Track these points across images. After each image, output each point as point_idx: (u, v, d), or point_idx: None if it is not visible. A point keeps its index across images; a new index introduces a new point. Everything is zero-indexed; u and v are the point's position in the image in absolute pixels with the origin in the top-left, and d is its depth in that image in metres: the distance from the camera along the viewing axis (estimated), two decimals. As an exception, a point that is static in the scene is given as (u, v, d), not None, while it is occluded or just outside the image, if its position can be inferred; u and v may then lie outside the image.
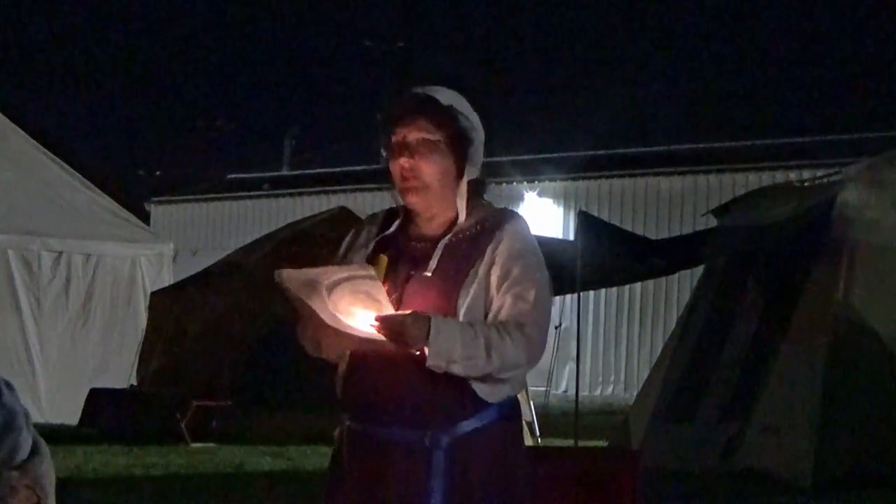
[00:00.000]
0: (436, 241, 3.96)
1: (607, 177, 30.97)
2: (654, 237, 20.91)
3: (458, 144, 3.97)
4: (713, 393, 13.41)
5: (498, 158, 33.25)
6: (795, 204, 13.80)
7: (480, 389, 3.88)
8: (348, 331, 3.80)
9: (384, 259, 3.93)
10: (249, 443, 14.80)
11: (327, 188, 34.16)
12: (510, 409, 3.98)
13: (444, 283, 3.90)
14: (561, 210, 30.92)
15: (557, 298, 29.15)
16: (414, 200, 3.97)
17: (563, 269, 15.01)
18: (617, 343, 29.86)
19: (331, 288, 3.81)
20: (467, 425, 3.88)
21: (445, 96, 3.99)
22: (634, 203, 30.08)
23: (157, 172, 50.21)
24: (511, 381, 3.93)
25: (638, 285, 26.98)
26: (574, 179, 31.30)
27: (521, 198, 31.51)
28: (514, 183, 31.62)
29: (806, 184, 15.30)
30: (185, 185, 39.89)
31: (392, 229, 4.02)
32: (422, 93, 3.99)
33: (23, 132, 18.87)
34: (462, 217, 3.97)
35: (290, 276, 3.83)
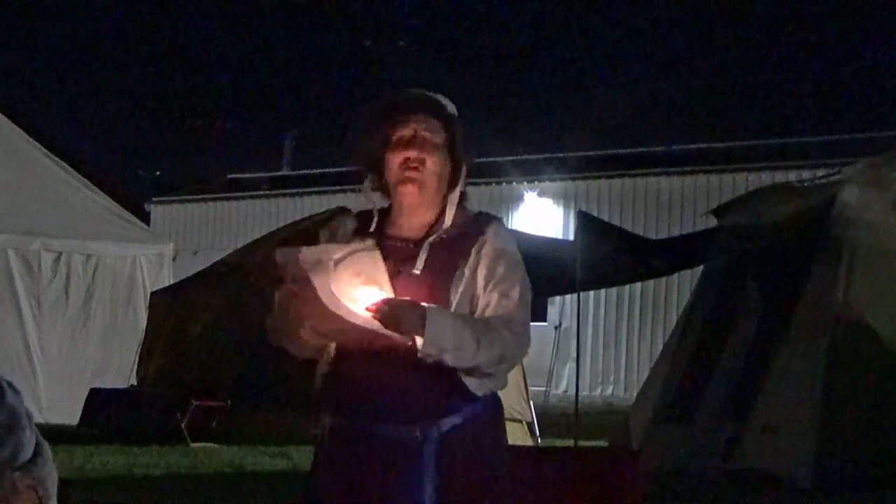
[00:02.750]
0: (415, 241, 4.05)
1: (607, 177, 30.96)
2: (654, 237, 20.94)
3: (455, 153, 4.08)
4: (713, 393, 13.40)
5: (498, 158, 33.29)
6: (795, 204, 13.80)
7: (469, 383, 3.94)
8: (344, 315, 3.82)
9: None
10: (249, 443, 14.79)
11: (327, 188, 34.14)
12: (494, 404, 4.06)
13: (434, 280, 3.97)
14: (561, 210, 30.91)
15: (557, 298, 29.17)
16: (410, 190, 4.04)
17: (563, 269, 15.03)
18: (617, 343, 29.85)
19: (337, 263, 3.85)
20: (455, 418, 3.95)
21: (449, 106, 4.11)
22: (634, 203, 30.08)
23: (157, 172, 50.21)
24: (497, 375, 4.00)
25: (638, 285, 26.99)
26: (574, 179, 31.29)
27: (521, 198, 31.51)
28: (514, 183, 31.61)
29: (806, 184, 15.29)
30: (185, 185, 39.88)
31: (372, 228, 4.08)
32: (430, 95, 4.10)
33: (23, 132, 18.87)
34: (448, 222, 4.05)
35: (305, 254, 3.84)
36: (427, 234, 4.05)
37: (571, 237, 18.31)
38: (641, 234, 20.85)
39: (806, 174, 22.50)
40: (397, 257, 4.02)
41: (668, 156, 31.35)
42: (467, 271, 3.99)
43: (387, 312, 3.82)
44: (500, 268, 4.00)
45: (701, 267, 15.47)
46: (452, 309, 3.94)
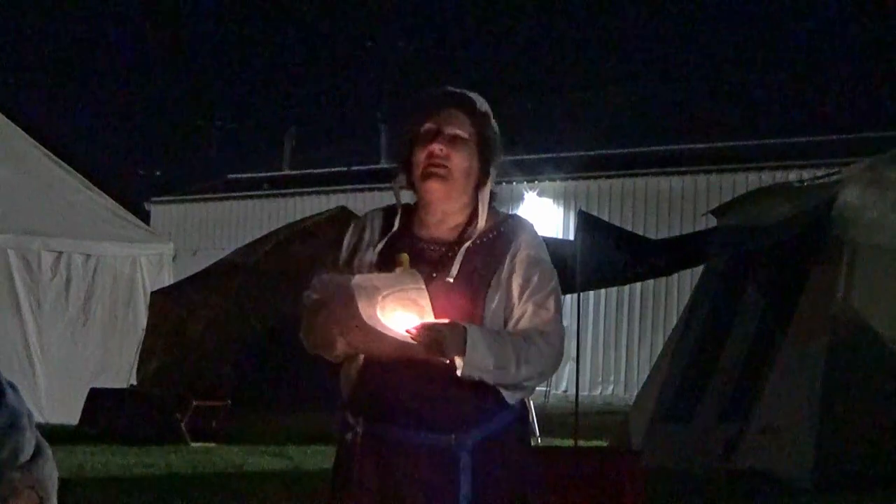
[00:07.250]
0: (450, 244, 3.99)
1: (607, 177, 30.96)
2: (654, 237, 20.93)
3: (485, 150, 4.03)
4: (713, 393, 13.40)
5: (498, 158, 33.26)
6: (795, 204, 13.81)
7: (505, 394, 3.93)
8: (383, 331, 3.79)
9: (406, 258, 3.92)
10: (249, 443, 14.80)
11: (327, 188, 34.13)
12: (522, 409, 4.04)
13: (469, 289, 3.92)
14: (561, 210, 30.91)
15: (557, 298, 29.19)
16: (435, 187, 3.98)
17: (563, 269, 15.03)
18: (617, 343, 29.85)
19: (385, 297, 3.80)
20: (490, 427, 3.92)
21: (481, 103, 4.07)
22: (634, 203, 30.07)
23: (157, 172, 50.20)
24: (530, 387, 4.00)
25: (638, 285, 26.96)
26: (574, 179, 31.29)
27: (521, 198, 31.50)
28: (514, 183, 31.61)
29: (806, 184, 15.29)
30: (185, 185, 39.87)
31: (396, 227, 4.03)
32: (459, 91, 4.07)
33: (23, 132, 18.88)
34: (482, 223, 4.00)
35: (357, 280, 3.80)
36: (460, 238, 3.99)
37: (571, 237, 18.31)
38: (641, 234, 20.86)
39: (806, 174, 22.49)
40: (430, 262, 3.96)
41: (668, 156, 31.33)
42: (502, 280, 3.94)
43: (428, 337, 3.78)
44: (535, 277, 3.95)
45: (701, 267, 15.47)
46: (487, 318, 3.90)
